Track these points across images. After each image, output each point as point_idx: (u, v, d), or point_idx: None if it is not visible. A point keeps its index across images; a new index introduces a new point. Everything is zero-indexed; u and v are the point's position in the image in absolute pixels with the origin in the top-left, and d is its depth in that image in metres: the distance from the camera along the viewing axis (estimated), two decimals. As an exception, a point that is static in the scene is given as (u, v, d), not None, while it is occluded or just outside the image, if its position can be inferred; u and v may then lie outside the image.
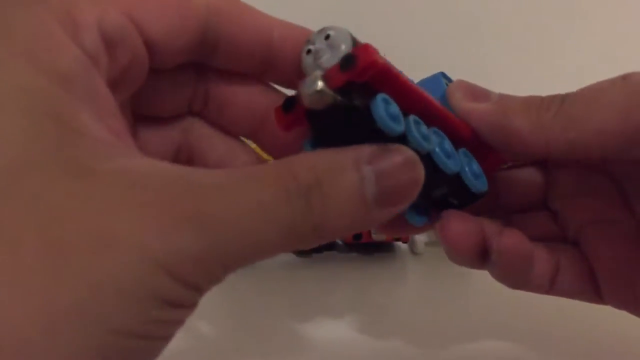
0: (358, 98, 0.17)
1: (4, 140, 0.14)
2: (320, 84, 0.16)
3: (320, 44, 0.18)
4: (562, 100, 0.20)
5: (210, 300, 0.17)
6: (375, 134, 0.17)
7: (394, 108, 0.17)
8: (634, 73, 0.22)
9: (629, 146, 0.19)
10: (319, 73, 0.17)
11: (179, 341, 0.16)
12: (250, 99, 0.21)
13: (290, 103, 0.18)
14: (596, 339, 0.33)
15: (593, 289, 0.23)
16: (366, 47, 0.17)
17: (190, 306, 0.15)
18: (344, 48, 0.17)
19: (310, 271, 0.37)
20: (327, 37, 0.18)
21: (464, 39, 0.50)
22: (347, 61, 0.17)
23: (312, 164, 0.16)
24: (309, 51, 0.18)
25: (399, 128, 0.17)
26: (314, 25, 0.19)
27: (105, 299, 0.13)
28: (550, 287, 0.23)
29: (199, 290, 0.15)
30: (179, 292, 0.14)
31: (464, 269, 0.36)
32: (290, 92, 0.20)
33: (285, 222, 0.15)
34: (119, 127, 0.16)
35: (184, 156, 0.21)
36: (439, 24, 0.51)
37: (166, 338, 0.15)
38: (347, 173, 0.16)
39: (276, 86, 0.21)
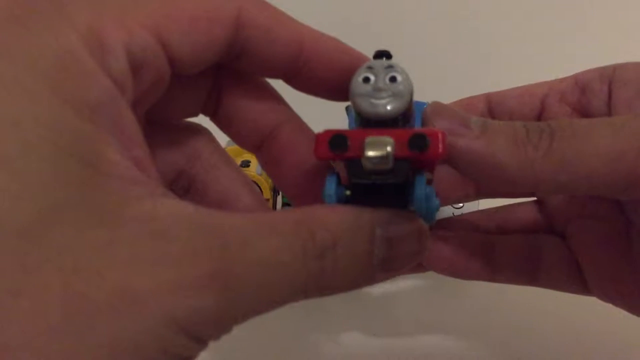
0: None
1: (33, 187, 0.13)
2: (389, 152, 0.16)
3: (382, 82, 0.17)
4: (550, 136, 0.19)
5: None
6: (398, 197, 0.17)
7: (430, 190, 0.18)
8: (625, 64, 0.23)
9: (620, 189, 0.19)
10: (391, 141, 0.17)
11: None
12: (261, 113, 0.20)
13: (339, 143, 0.17)
14: (595, 339, 0.33)
15: (580, 281, 0.23)
16: (443, 138, 0.17)
17: (196, 357, 0.15)
18: (405, 102, 0.17)
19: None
20: (393, 79, 0.17)
21: (466, 38, 0.50)
22: (420, 143, 0.17)
23: (331, 224, 0.16)
24: (366, 79, 0.18)
25: (427, 208, 0.17)
26: (316, 26, 0.19)
27: None
28: (534, 279, 0.23)
29: (208, 343, 0.15)
30: (191, 348, 0.15)
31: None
32: (298, 93, 0.20)
33: (297, 282, 0.15)
34: (142, 155, 0.16)
35: (184, 183, 0.21)
36: (441, 26, 0.51)
37: None
38: (362, 236, 0.16)
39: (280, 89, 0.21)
